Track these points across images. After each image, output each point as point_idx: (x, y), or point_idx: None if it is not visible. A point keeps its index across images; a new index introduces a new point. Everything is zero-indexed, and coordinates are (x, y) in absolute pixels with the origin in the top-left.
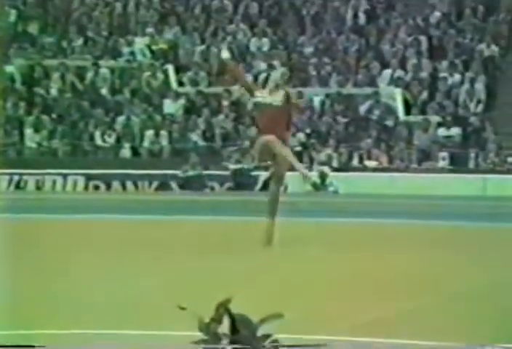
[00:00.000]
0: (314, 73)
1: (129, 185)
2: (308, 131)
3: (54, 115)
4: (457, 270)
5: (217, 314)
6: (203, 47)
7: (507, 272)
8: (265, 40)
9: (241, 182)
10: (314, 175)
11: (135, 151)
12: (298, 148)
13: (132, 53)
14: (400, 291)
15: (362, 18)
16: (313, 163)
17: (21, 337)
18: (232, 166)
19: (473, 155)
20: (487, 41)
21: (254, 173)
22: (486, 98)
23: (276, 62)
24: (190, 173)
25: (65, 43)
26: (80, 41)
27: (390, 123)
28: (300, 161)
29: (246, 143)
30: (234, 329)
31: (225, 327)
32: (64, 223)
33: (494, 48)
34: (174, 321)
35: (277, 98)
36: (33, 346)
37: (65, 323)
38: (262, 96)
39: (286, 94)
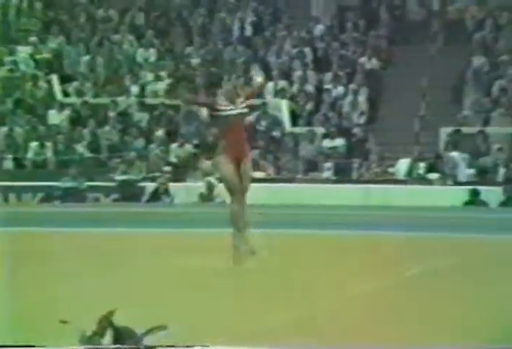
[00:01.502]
0: (202, 83)
1: (12, 197)
2: (195, 142)
3: None
4: (336, 278)
5: (100, 327)
6: (88, 57)
7: (386, 278)
8: (152, 51)
9: (128, 193)
10: (202, 186)
11: (19, 163)
12: (188, 159)
13: (15, 62)
14: (277, 301)
15: (249, 30)
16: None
17: None
18: (118, 178)
19: (356, 165)
20: (368, 54)
21: (141, 184)
22: (368, 110)
23: (163, 73)
24: (70, 184)
25: None
26: None
27: (277, 134)
28: (185, 172)
29: (133, 154)
30: (118, 341)
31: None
32: None
33: (375, 61)
34: (59, 336)
35: (241, 106)
36: (34, 346)
37: None
38: (227, 108)
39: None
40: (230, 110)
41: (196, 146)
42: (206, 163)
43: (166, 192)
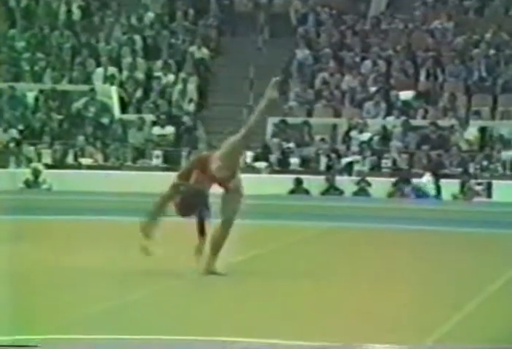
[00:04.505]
0: (27, 68)
1: None
2: (20, 127)
3: None
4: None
5: None
6: None
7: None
8: None
9: None
10: (28, 172)
11: None
12: (11, 144)
13: None
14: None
15: (76, 14)
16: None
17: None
18: None
19: (185, 153)
20: (198, 43)
21: None
22: (198, 98)
23: None
24: None
25: None
26: None
27: (105, 121)
28: (9, 158)
29: None
30: None
31: None
32: None
33: (205, 50)
34: None
35: None
36: (33, 346)
37: None
38: None
39: None
40: None
41: (21, 131)
42: (30, 149)
43: None
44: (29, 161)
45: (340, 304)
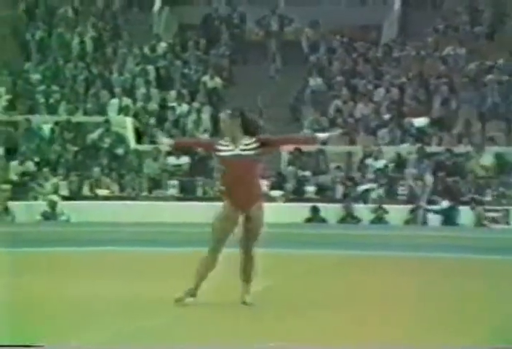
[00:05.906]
0: (42, 100)
1: None
2: (36, 159)
3: None
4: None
5: None
6: None
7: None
8: None
9: None
10: (45, 204)
11: None
12: (27, 177)
13: None
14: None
15: (89, 46)
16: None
17: None
18: None
19: (200, 183)
20: (210, 73)
21: None
22: (212, 127)
23: (1, 89)
24: None
25: None
26: None
27: (120, 151)
28: (26, 190)
29: None
30: None
31: None
32: None
33: (217, 80)
34: None
35: (246, 146)
36: (33, 346)
37: None
38: (227, 148)
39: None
40: (229, 150)
41: (37, 164)
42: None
43: (6, 210)
44: (45, 193)
45: (360, 333)
